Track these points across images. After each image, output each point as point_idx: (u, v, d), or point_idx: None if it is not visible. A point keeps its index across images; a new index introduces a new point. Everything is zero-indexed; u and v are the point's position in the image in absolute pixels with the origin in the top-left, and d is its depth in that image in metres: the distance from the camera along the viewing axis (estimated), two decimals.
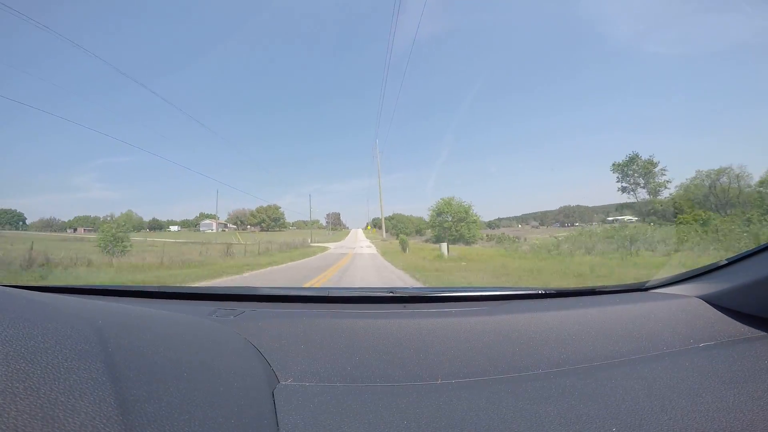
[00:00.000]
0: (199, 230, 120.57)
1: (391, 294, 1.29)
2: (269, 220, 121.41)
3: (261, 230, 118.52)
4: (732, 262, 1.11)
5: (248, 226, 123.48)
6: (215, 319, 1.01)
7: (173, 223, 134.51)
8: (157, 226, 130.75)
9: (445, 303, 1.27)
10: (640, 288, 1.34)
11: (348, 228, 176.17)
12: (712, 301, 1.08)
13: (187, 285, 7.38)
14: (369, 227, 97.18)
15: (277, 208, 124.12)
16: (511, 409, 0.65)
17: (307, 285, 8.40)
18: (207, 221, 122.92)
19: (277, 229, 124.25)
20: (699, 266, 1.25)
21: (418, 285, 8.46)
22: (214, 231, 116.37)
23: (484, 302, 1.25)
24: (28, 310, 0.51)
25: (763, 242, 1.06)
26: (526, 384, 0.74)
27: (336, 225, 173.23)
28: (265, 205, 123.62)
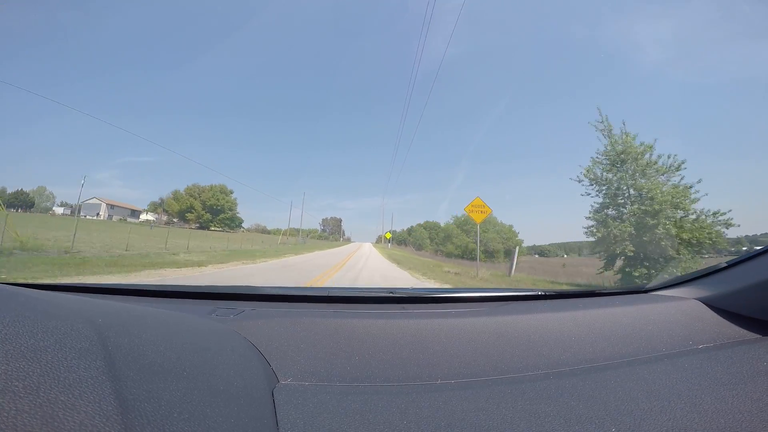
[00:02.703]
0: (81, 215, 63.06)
1: (391, 294, 1.28)
2: (202, 209, 65.31)
3: (199, 226, 62.42)
4: (731, 265, 1.11)
5: (179, 220, 69.95)
6: (215, 318, 1.00)
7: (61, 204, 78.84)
8: (24, 202, 73.76)
9: (445, 304, 1.26)
10: (640, 290, 1.35)
11: (350, 240, 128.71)
12: (711, 303, 1.09)
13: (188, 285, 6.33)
14: (388, 234, 56.89)
15: (225, 192, 69.56)
16: (511, 410, 0.65)
17: None
18: (93, 201, 66.60)
19: (218, 227, 66.92)
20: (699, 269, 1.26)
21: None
22: (102, 218, 61.39)
23: (484, 303, 1.24)
24: (28, 308, 0.51)
25: None
26: (525, 385, 0.74)
27: (333, 233, 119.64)
28: (206, 184, 70.40)
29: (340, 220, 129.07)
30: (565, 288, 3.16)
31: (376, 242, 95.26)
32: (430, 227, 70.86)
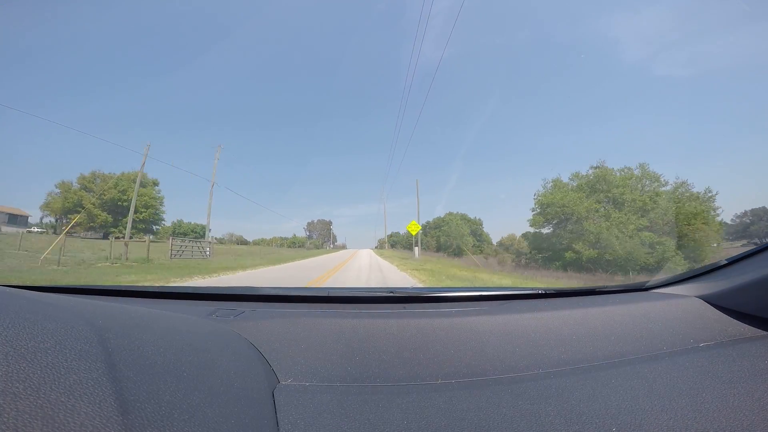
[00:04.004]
0: None
1: (391, 294, 1.28)
2: (96, 207, 37.95)
3: (104, 235, 31.07)
4: (732, 262, 1.11)
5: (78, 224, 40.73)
6: (215, 319, 1.00)
7: None
8: None
9: (445, 303, 1.26)
10: (641, 288, 1.34)
11: (345, 246, 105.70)
12: (712, 301, 1.08)
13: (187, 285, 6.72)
14: (415, 225, 23.61)
15: (143, 182, 43.16)
16: (511, 409, 0.65)
17: None
18: None
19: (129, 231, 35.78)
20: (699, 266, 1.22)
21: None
22: None
23: (484, 302, 1.24)
24: (28, 310, 0.51)
25: None
26: (526, 384, 0.73)
27: (322, 238, 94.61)
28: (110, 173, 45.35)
29: (330, 223, 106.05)
30: (565, 286, 2.12)
31: (379, 248, 71.23)
32: (464, 218, 47.51)
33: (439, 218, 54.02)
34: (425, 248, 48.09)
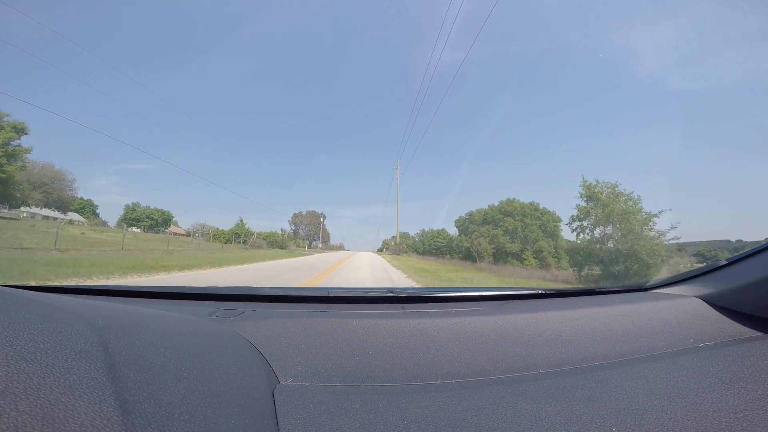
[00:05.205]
0: None
1: (391, 294, 1.29)
2: None
3: None
4: (732, 263, 1.11)
5: None
6: (215, 319, 1.00)
7: None
8: None
9: (445, 303, 1.26)
10: (641, 288, 1.35)
11: (342, 247, 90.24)
12: (711, 301, 1.09)
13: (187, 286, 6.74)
14: None
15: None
16: (511, 409, 0.65)
17: None
18: None
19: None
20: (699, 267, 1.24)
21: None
22: None
23: (484, 302, 1.25)
24: (28, 310, 0.51)
25: None
26: (526, 384, 0.74)
27: (309, 236, 78.01)
28: None
29: (321, 216, 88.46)
30: (565, 286, 2.55)
31: (392, 252, 54.68)
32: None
33: (494, 206, 37.54)
34: (457, 256, 32.59)
